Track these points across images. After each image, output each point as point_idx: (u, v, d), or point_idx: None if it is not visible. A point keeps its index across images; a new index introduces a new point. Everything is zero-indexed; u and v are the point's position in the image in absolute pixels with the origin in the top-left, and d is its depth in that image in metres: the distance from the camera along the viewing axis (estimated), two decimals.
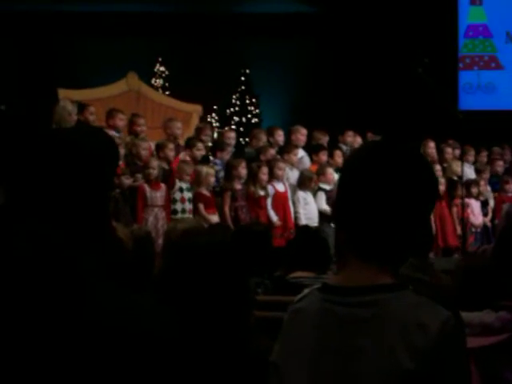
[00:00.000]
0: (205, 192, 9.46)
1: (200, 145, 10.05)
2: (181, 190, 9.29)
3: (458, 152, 12.43)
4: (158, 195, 9.04)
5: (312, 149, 11.31)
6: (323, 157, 11.15)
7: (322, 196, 10.52)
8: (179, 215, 9.13)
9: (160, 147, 9.62)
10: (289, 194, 10.34)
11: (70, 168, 1.68)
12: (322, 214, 10.41)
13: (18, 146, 1.75)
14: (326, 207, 10.42)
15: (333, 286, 1.96)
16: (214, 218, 9.32)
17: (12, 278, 1.61)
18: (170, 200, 9.18)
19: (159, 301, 2.32)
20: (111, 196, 1.72)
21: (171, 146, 9.67)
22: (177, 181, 9.28)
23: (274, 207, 10.09)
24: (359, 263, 1.92)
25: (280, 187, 10.25)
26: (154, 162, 9.10)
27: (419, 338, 1.79)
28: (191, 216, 9.16)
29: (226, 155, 10.36)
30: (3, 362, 1.57)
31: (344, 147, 11.99)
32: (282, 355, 1.98)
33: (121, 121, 9.67)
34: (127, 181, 8.77)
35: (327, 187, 10.58)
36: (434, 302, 1.88)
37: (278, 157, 10.68)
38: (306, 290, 2.04)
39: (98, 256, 1.69)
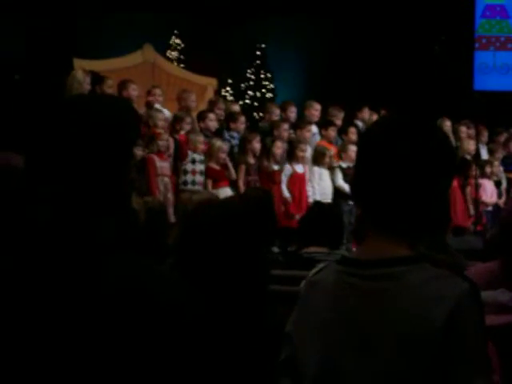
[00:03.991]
0: (214, 166, 9.45)
1: (212, 115, 10.01)
2: (193, 161, 9.27)
3: (472, 132, 12.37)
4: (166, 165, 9.04)
5: (321, 124, 11.26)
6: (332, 133, 11.09)
7: (338, 172, 10.49)
8: (189, 186, 9.12)
9: (178, 119, 9.60)
10: (307, 176, 10.33)
11: (90, 135, 1.67)
12: (338, 191, 10.39)
13: (35, 114, 1.74)
14: (342, 183, 10.39)
15: (350, 258, 1.97)
16: (227, 191, 9.26)
17: (31, 241, 1.61)
18: (173, 170, 9.18)
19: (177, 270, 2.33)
20: (131, 165, 1.70)
21: (189, 119, 9.65)
22: (190, 152, 9.27)
23: (290, 187, 10.08)
24: (377, 237, 1.92)
25: (299, 168, 10.23)
26: (165, 135, 9.09)
27: (437, 309, 1.78)
28: (201, 188, 9.14)
29: (241, 125, 10.33)
30: (22, 326, 1.57)
31: (360, 124, 11.93)
32: (296, 326, 2.00)
33: (134, 91, 9.61)
34: (139, 152, 8.74)
35: (344, 165, 10.55)
36: (453, 274, 1.87)
37: (291, 131, 10.64)
38: (322, 264, 2.04)
39: (118, 224, 1.69)
